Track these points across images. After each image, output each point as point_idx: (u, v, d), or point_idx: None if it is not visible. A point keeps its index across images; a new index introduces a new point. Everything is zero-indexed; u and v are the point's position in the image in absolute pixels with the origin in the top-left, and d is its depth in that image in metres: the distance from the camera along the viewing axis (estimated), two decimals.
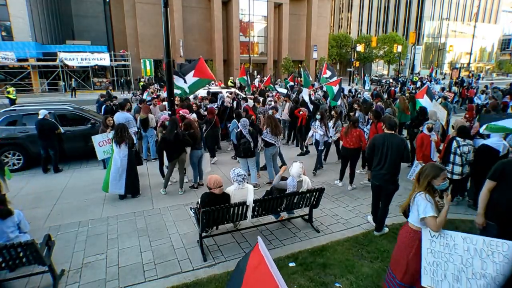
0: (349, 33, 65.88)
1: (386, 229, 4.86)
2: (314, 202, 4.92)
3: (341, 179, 6.79)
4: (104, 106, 10.75)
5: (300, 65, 37.01)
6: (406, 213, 3.10)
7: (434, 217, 2.73)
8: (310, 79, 13.08)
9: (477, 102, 14.70)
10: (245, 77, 16.17)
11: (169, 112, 7.84)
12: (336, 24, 76.84)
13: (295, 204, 4.77)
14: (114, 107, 10.57)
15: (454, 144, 5.37)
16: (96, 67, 30.27)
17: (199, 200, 4.41)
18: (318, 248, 4.45)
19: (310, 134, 7.75)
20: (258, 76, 29.71)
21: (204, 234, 4.47)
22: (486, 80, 40.12)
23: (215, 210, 4.04)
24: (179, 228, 5.02)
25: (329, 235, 4.82)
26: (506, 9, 76.03)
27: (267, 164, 6.88)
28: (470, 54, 42.94)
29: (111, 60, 28.97)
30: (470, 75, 34.88)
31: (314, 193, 4.78)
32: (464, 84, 21.73)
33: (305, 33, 41.01)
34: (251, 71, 30.29)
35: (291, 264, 4.06)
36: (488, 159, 4.91)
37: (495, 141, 5.10)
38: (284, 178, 4.86)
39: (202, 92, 12.16)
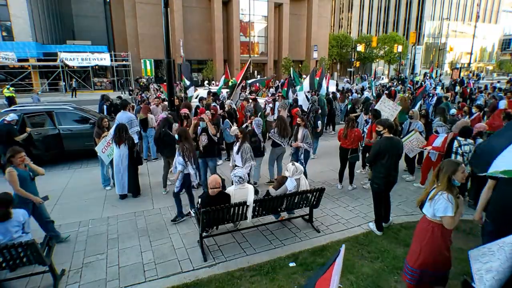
0: (350, 33, 65.90)
1: (379, 232, 4.83)
2: (314, 202, 4.92)
3: (340, 181, 6.70)
4: (106, 106, 10.80)
5: (296, 65, 37.00)
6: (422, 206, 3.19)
7: (453, 217, 2.87)
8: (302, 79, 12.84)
9: (478, 102, 14.70)
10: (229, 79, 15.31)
11: (170, 112, 7.86)
12: (337, 24, 76.81)
13: (296, 204, 4.78)
14: (117, 106, 10.62)
15: (456, 143, 5.40)
16: (97, 67, 30.31)
17: (199, 200, 4.41)
18: (318, 248, 4.45)
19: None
20: (259, 76, 29.71)
21: (204, 234, 4.48)
22: (487, 80, 40.08)
23: (215, 210, 4.05)
24: (180, 228, 5.02)
25: (329, 235, 4.82)
26: (507, 9, 75.94)
27: (270, 163, 6.82)
28: (471, 54, 42.95)
29: (111, 60, 29.01)
30: (472, 75, 34.86)
31: (314, 193, 4.78)
32: (464, 84, 21.70)
33: (305, 33, 41.03)
34: (251, 71, 30.31)
35: (291, 264, 4.06)
36: None
37: None
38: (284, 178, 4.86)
39: (202, 93, 12.17)
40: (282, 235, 4.83)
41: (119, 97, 12.67)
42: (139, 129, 8.17)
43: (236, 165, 5.69)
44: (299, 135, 6.41)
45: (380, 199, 4.81)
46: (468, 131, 5.46)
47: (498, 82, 19.65)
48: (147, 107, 8.64)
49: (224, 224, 4.52)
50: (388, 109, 7.10)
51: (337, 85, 23.67)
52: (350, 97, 14.25)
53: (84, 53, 28.08)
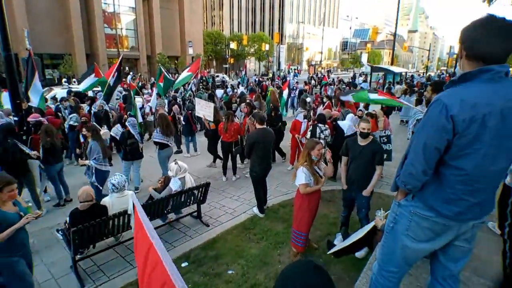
0: (223, 30, 68.13)
1: (262, 215, 5.28)
2: (201, 198, 4.97)
3: (224, 173, 6.97)
4: None
5: (172, 61, 36.05)
6: None
7: (305, 184, 3.60)
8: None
9: (328, 93, 17.81)
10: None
11: (16, 119, 6.39)
12: (210, 21, 78.17)
13: (182, 203, 4.72)
14: None
15: (318, 129, 6.38)
16: None
17: (67, 219, 3.80)
18: (209, 242, 4.52)
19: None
20: (131, 72, 27.34)
21: (78, 256, 3.88)
22: (334, 74, 48.90)
23: (89, 227, 3.56)
24: (44, 257, 4.19)
25: (218, 227, 4.96)
26: (343, 17, 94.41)
27: (163, 167, 6.39)
28: (321, 53, 51.57)
29: None
30: (325, 71, 41.94)
31: (200, 189, 4.83)
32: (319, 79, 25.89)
33: (179, 28, 40.19)
34: (122, 67, 27.61)
35: (183, 265, 3.99)
36: (337, 136, 6.18)
37: (343, 123, 6.38)
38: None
39: (60, 93, 10.37)
40: (172, 237, 4.69)
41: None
42: None
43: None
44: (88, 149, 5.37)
45: (259, 185, 5.27)
46: (323, 118, 6.57)
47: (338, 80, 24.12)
48: None
49: (103, 239, 4.04)
50: (205, 107, 7.60)
51: (213, 78, 24.39)
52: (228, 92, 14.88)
53: None
